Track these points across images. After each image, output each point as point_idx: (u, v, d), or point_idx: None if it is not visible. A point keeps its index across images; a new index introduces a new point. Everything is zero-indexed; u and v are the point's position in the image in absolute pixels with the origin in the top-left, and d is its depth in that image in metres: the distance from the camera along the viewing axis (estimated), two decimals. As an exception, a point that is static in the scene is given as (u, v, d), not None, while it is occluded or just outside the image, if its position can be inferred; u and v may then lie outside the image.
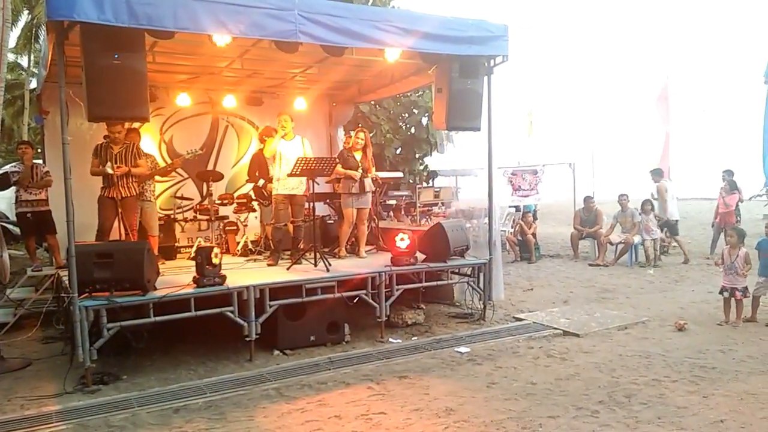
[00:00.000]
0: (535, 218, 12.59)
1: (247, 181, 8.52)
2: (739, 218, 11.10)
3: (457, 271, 7.10)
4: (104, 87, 4.83)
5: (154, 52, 6.35)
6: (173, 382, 4.98)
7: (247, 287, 5.45)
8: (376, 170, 7.74)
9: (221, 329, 5.63)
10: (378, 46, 6.03)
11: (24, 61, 27.47)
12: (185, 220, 8.45)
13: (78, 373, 4.96)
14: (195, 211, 8.52)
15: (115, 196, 6.41)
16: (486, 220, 7.57)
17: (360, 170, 7.17)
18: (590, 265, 10.82)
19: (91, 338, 4.82)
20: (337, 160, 7.10)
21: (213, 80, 8.34)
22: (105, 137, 6.53)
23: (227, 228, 8.40)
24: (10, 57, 23.95)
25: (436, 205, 15.68)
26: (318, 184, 6.85)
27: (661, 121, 15.41)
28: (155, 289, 5.23)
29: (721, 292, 6.65)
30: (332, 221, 8.45)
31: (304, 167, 6.52)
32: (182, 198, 8.67)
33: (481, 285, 6.89)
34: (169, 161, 8.40)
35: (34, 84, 21.80)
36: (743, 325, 6.40)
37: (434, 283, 6.85)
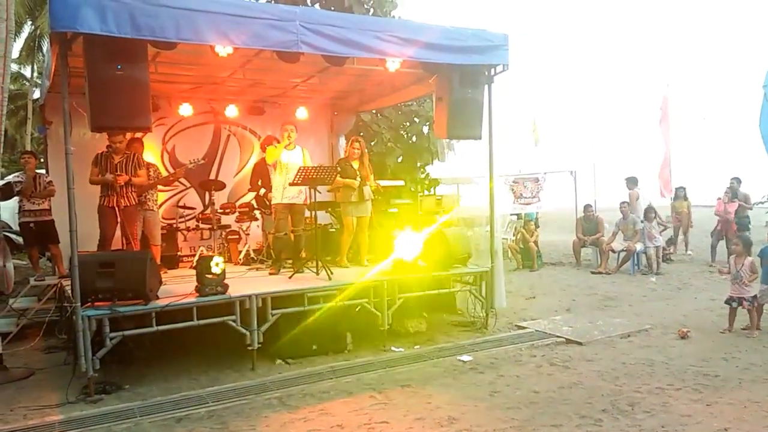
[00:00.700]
0: (536, 226, 12.59)
1: (249, 190, 8.54)
2: (749, 226, 11.06)
3: (459, 279, 7.10)
4: (107, 97, 4.86)
5: (156, 63, 6.39)
6: (175, 392, 4.97)
7: (249, 296, 5.46)
8: (378, 179, 7.76)
9: (223, 338, 5.63)
10: (379, 56, 6.05)
11: (27, 71, 27.61)
12: (187, 229, 8.47)
13: (81, 383, 4.96)
14: (197, 220, 8.54)
15: (115, 205, 6.43)
16: (487, 227, 7.57)
17: (358, 179, 7.18)
18: (592, 272, 10.81)
19: (93, 348, 4.83)
20: (338, 168, 7.13)
21: (215, 90, 8.38)
22: (108, 147, 6.57)
23: (229, 237, 8.42)
24: (14, 67, 24.11)
25: (437, 213, 15.69)
26: (320, 192, 6.87)
27: (661, 132, 15.46)
28: (158, 298, 5.24)
29: (727, 302, 6.59)
30: (334, 230, 8.46)
31: (305, 176, 6.54)
32: (184, 207, 8.70)
33: (483, 293, 6.88)
34: (171, 171, 8.44)
35: (37, 94, 21.91)
36: (748, 333, 6.38)
37: (436, 292, 6.84)
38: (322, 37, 5.51)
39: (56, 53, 5.06)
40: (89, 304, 4.92)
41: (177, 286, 5.91)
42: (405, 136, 13.02)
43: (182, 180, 8.76)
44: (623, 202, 11.40)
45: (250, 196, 8.65)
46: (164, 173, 8.07)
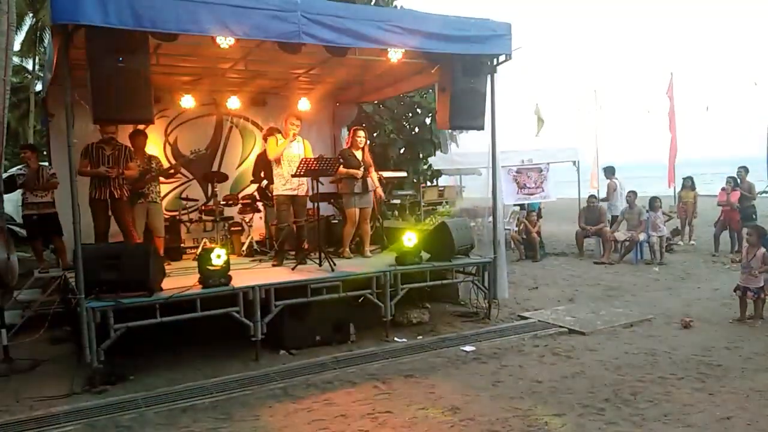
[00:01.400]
0: (539, 217, 12.58)
1: (252, 182, 8.54)
2: (754, 216, 11.03)
3: (461, 270, 7.10)
4: (109, 89, 4.86)
5: (158, 54, 6.37)
6: (180, 382, 5.00)
7: (253, 287, 5.47)
8: (380, 170, 7.75)
9: (227, 329, 5.65)
10: (381, 47, 6.03)
11: (29, 64, 27.63)
12: (190, 221, 8.48)
13: (85, 374, 4.99)
14: (200, 212, 8.55)
15: (107, 197, 6.43)
16: (490, 218, 7.57)
17: (362, 168, 7.17)
18: (595, 263, 10.80)
19: (98, 339, 4.86)
20: (340, 159, 7.12)
21: (217, 81, 8.36)
22: (108, 136, 6.55)
23: (232, 229, 8.43)
24: (15, 60, 24.08)
25: (440, 204, 15.68)
26: (322, 184, 6.87)
27: (666, 119, 15.42)
28: (161, 290, 5.26)
29: (735, 290, 6.60)
30: (336, 221, 8.47)
31: (307, 168, 6.53)
32: (187, 199, 8.70)
33: (486, 284, 6.89)
34: (173, 162, 8.44)
35: (39, 87, 21.91)
36: (751, 323, 6.38)
37: (439, 282, 6.85)
38: (323, 27, 5.48)
39: (58, 46, 5.05)
40: (93, 295, 4.94)
41: (180, 278, 5.93)
42: (407, 127, 13.00)
43: (185, 172, 8.76)
44: (630, 191, 11.38)
45: (252, 188, 8.65)
46: (166, 164, 8.07)
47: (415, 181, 13.47)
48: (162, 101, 8.20)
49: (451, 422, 4.09)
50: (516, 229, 12.29)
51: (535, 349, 5.74)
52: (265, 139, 8.28)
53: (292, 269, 6.43)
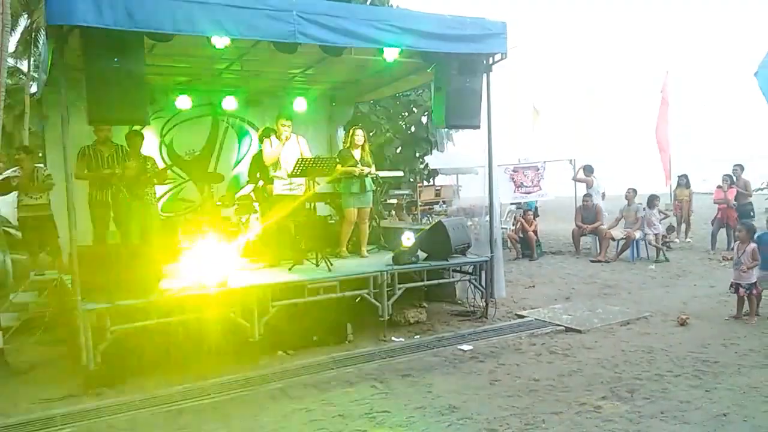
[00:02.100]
0: (536, 215, 12.60)
1: (248, 182, 8.52)
2: (752, 213, 11.08)
3: (458, 269, 7.11)
4: (104, 90, 4.85)
5: (153, 55, 6.35)
6: (177, 384, 4.99)
7: (249, 288, 5.46)
8: (377, 169, 7.75)
9: (224, 330, 5.64)
10: (376, 46, 6.03)
11: (24, 65, 27.48)
12: (186, 222, 8.45)
13: (82, 376, 4.97)
14: (196, 213, 8.52)
15: (107, 199, 6.41)
16: (487, 217, 7.58)
17: (359, 165, 7.15)
18: (592, 261, 10.82)
19: (94, 341, 4.84)
20: (337, 159, 7.11)
21: (213, 82, 8.35)
22: (104, 137, 6.54)
23: (229, 229, 8.40)
24: (10, 61, 23.97)
25: (437, 203, 15.70)
26: (318, 184, 6.85)
27: (661, 115, 15.46)
28: (158, 291, 5.24)
29: (729, 288, 6.65)
30: (333, 221, 8.46)
31: (304, 168, 6.52)
32: (183, 200, 8.68)
33: (483, 283, 6.90)
34: (169, 163, 8.43)
35: (34, 88, 21.82)
36: (746, 320, 6.40)
37: (436, 282, 6.85)
38: (319, 27, 5.48)
39: (53, 47, 5.03)
40: (89, 297, 4.92)
41: (176, 279, 5.91)
42: (403, 126, 13.01)
43: (181, 173, 8.73)
44: (629, 189, 11.42)
45: (248, 188, 8.63)
46: (161, 166, 8.06)
47: (411, 180, 13.48)
48: (157, 102, 8.18)
49: (449, 421, 4.10)
50: (513, 227, 12.31)
51: (533, 348, 5.75)
52: (260, 139, 8.27)
53: (289, 269, 6.43)
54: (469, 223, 8.35)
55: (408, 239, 6.50)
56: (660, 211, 11.41)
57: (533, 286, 8.79)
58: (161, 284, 5.41)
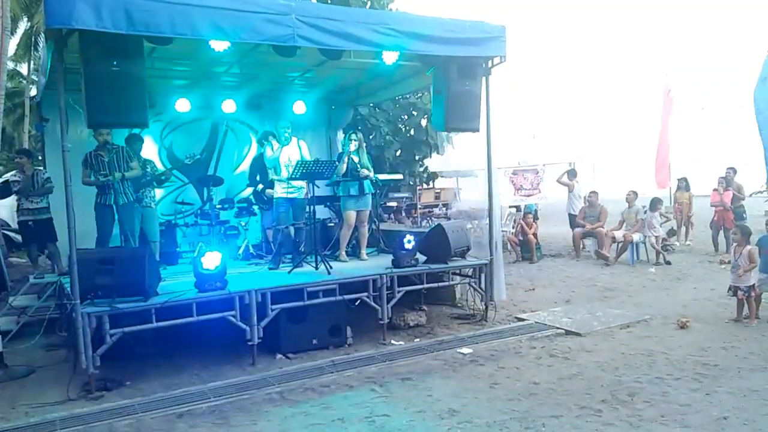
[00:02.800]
0: (535, 218, 12.59)
1: (248, 186, 8.53)
2: (744, 215, 11.10)
3: (458, 272, 7.10)
4: (104, 94, 4.85)
5: (152, 58, 6.36)
6: (176, 387, 4.98)
7: (249, 291, 5.46)
8: (376, 173, 7.75)
9: (224, 333, 5.63)
10: (376, 49, 6.03)
11: (23, 68, 27.52)
12: (186, 225, 8.46)
13: (81, 380, 4.96)
14: (196, 216, 8.53)
15: (113, 203, 6.42)
16: (487, 220, 7.58)
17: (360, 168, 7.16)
18: (596, 252, 10.83)
19: (93, 344, 4.83)
20: (337, 162, 7.12)
21: (212, 85, 8.36)
22: (103, 141, 6.55)
23: (228, 232, 8.41)
24: (10, 65, 23.98)
25: (437, 206, 15.71)
26: (318, 186, 6.86)
27: (661, 122, 15.47)
28: (157, 294, 5.24)
29: (728, 290, 6.65)
30: (333, 224, 8.46)
31: (304, 171, 6.53)
32: (183, 203, 8.69)
33: (483, 286, 6.89)
34: (169, 167, 8.43)
35: (33, 91, 21.84)
36: (746, 322, 6.39)
37: (436, 285, 6.84)
38: (318, 30, 5.48)
39: (52, 50, 5.04)
40: (89, 301, 4.92)
41: (176, 283, 5.91)
42: (403, 129, 13.01)
43: (180, 176, 8.73)
44: (630, 191, 11.41)
45: (248, 192, 8.63)
46: (160, 169, 8.06)
47: (411, 183, 13.48)
48: (157, 105, 8.18)
49: (449, 425, 4.09)
50: (512, 230, 12.31)
51: (532, 351, 5.74)
52: (260, 142, 8.28)
53: (289, 272, 6.42)
54: (469, 225, 8.34)
55: (408, 242, 6.50)
56: (661, 214, 11.41)
57: (533, 289, 8.78)
58: (160, 287, 5.42)
